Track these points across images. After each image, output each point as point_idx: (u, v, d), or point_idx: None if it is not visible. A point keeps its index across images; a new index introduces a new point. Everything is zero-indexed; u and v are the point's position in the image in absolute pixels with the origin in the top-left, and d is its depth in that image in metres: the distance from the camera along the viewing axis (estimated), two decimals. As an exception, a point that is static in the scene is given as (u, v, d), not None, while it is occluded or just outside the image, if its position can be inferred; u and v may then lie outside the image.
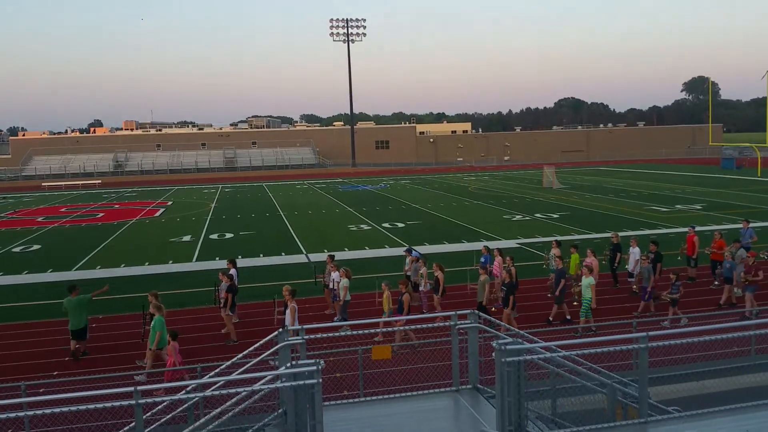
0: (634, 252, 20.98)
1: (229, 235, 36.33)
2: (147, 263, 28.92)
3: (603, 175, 73.11)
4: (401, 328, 15.09)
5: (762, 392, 13.08)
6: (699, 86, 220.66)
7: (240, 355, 9.51)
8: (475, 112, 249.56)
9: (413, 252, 22.29)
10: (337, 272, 18.96)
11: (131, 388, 7.04)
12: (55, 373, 15.31)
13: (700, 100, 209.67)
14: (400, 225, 38.15)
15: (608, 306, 19.66)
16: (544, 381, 9.49)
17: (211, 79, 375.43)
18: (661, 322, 16.93)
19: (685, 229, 28.19)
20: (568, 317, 18.36)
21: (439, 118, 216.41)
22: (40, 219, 46.87)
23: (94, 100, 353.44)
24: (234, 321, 18.61)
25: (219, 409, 8.05)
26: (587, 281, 17.35)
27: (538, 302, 20.06)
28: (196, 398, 8.24)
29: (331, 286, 19.23)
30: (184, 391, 8.37)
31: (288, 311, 15.60)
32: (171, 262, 29.11)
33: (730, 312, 18.11)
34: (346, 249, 30.63)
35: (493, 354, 8.20)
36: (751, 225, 24.25)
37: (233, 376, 8.18)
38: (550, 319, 18.33)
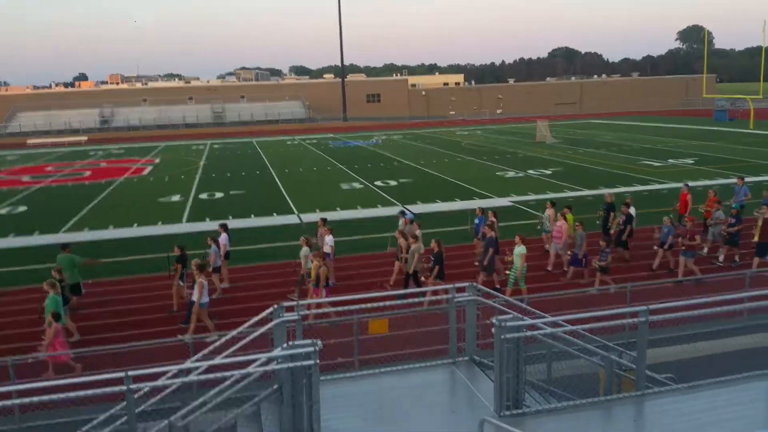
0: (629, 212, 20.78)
1: (219, 195, 35.98)
2: (136, 224, 28.62)
3: (596, 129, 72.72)
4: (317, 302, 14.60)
5: (753, 354, 13.18)
6: (693, 35, 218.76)
7: (235, 332, 9.35)
8: (468, 63, 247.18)
9: (406, 214, 22.10)
10: (330, 236, 18.78)
11: (122, 374, 6.88)
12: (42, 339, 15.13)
13: (694, 49, 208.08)
14: (393, 183, 37.88)
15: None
16: (540, 345, 9.39)
17: (197, 29, 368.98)
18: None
19: (678, 185, 28.14)
20: (497, 286, 17.53)
21: (431, 69, 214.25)
22: (25, 178, 46.22)
23: (79, 52, 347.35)
24: (223, 286, 18.54)
25: (213, 391, 7.92)
26: (519, 250, 16.68)
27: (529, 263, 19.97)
28: (187, 381, 8.08)
29: (324, 249, 19.07)
30: (172, 373, 8.21)
31: (196, 286, 14.81)
32: (160, 223, 28.82)
33: (668, 281, 17.51)
34: (338, 209, 30.40)
35: (492, 330, 8.09)
36: (744, 180, 24.07)
37: (227, 359, 8.02)
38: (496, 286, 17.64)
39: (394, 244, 18.80)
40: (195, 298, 14.78)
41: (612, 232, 20.71)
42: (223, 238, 19.14)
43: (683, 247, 18.20)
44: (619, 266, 19.44)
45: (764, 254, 18.66)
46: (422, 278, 17.13)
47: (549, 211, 21.15)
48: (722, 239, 19.96)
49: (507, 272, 17.59)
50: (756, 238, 19.27)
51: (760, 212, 20.55)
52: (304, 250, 17.28)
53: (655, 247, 20.33)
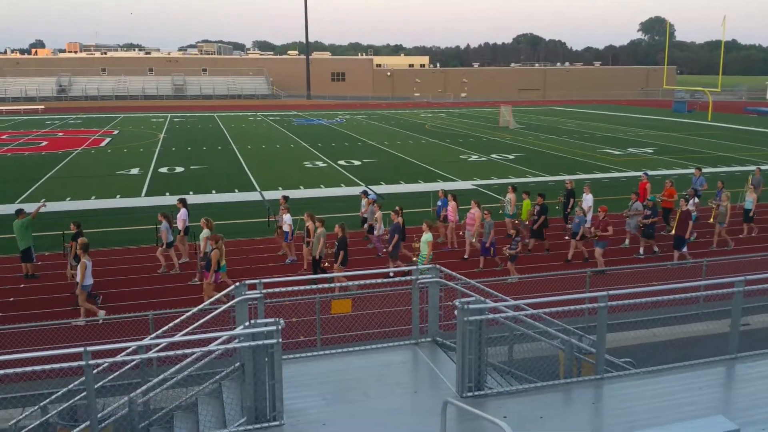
0: (587, 199, 20.92)
1: (179, 169, 35.40)
2: (93, 197, 28.03)
3: (558, 116, 73.44)
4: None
5: (709, 341, 13.52)
6: (654, 27, 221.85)
7: (197, 309, 9.22)
8: (433, 46, 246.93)
9: (369, 194, 22.04)
10: (288, 214, 18.62)
11: (81, 349, 6.72)
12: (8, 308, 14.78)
13: (656, 40, 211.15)
14: (357, 163, 37.74)
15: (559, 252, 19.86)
16: (501, 328, 9.47)
17: None
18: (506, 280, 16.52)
19: (638, 174, 28.63)
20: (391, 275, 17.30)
21: (397, 50, 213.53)
22: (-21, 146, 44.87)
23: (36, 18, 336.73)
24: (182, 261, 18.37)
25: (174, 368, 7.81)
26: (425, 237, 16.46)
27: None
28: (147, 358, 7.95)
29: (284, 228, 18.93)
30: (131, 349, 8.08)
31: (78, 267, 14.43)
32: (119, 196, 28.27)
33: (581, 272, 16.80)
34: (301, 187, 30.18)
35: (455, 312, 8.11)
36: (702, 170, 24.59)
37: (189, 337, 7.90)
38: (391, 275, 16.94)
39: (302, 228, 18.39)
40: (78, 279, 14.32)
41: (528, 222, 20.35)
42: (183, 213, 18.89)
43: (596, 237, 18.03)
44: (540, 255, 19.45)
45: (680, 246, 18.52)
46: (326, 264, 16.61)
47: (510, 195, 21.29)
48: (638, 231, 19.91)
49: (414, 259, 17.30)
50: (672, 231, 19.37)
51: (715, 202, 21.05)
52: (205, 231, 16.54)
53: (567, 237, 20.31)
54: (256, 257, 19.43)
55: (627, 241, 20.70)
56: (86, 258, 14.43)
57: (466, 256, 19.36)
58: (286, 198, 19.84)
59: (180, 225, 18.78)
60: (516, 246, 17.22)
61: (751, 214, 21.71)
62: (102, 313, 14.37)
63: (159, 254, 18.06)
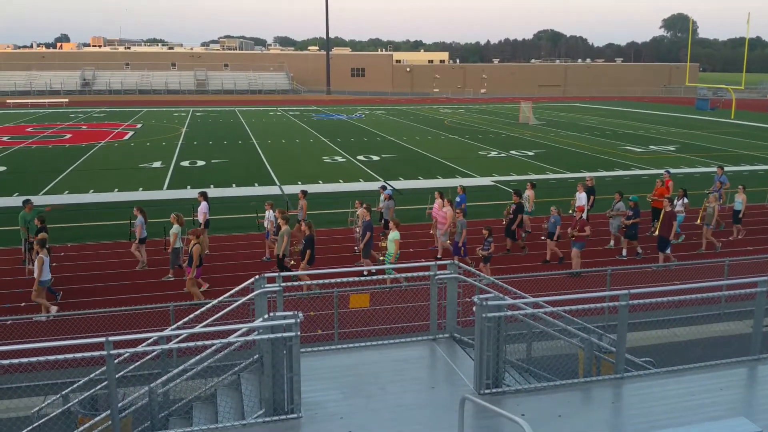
0: (580, 197, 20.28)
1: (201, 163, 35.62)
2: (116, 189, 28.29)
3: (579, 112, 72.88)
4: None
5: (731, 342, 13.37)
6: (677, 23, 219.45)
7: (216, 301, 9.29)
8: (453, 41, 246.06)
9: (387, 189, 22.00)
10: (270, 211, 18.23)
11: (103, 339, 6.79)
12: (23, 304, 14.98)
13: (678, 37, 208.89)
14: (375, 158, 37.74)
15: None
16: (520, 325, 9.44)
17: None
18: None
19: (659, 171, 28.32)
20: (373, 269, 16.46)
21: (416, 46, 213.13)
22: (5, 138, 45.41)
23: (61, 12, 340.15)
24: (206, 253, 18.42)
25: (194, 359, 7.88)
26: (392, 235, 16.12)
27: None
28: (168, 348, 8.03)
29: (265, 224, 18.56)
30: (152, 340, 8.15)
31: (36, 262, 14.31)
32: (141, 189, 28.51)
33: (558, 273, 16.76)
34: (320, 182, 30.25)
35: (474, 308, 8.10)
36: (724, 169, 24.14)
37: (209, 329, 7.95)
38: (365, 273, 16.09)
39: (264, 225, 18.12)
40: (35, 274, 14.24)
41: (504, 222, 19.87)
42: (203, 206, 18.94)
43: (573, 238, 17.57)
44: (519, 256, 19.04)
45: (664, 248, 17.95)
46: (291, 262, 16.41)
47: (529, 192, 21.08)
48: (620, 232, 19.38)
49: (381, 258, 16.94)
50: (656, 232, 18.69)
51: (709, 203, 19.98)
52: (175, 227, 16.36)
53: (543, 238, 19.67)
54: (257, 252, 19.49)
55: (612, 242, 20.14)
56: (44, 253, 14.30)
57: (439, 256, 18.70)
58: (305, 192, 19.84)
59: (201, 218, 18.85)
60: (488, 247, 16.60)
61: (740, 215, 20.90)
62: (54, 309, 14.28)
63: (134, 250, 17.81)
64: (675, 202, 20.35)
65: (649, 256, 18.78)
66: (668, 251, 18.03)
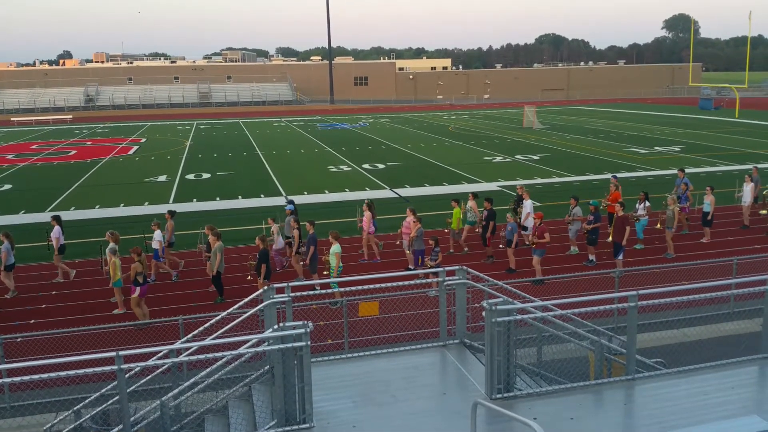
0: (526, 204, 19.92)
1: (206, 176, 35.73)
2: (122, 204, 28.39)
3: (583, 115, 72.84)
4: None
5: (741, 340, 13.30)
6: (679, 24, 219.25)
7: (225, 313, 9.31)
8: (455, 48, 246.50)
9: (289, 205, 20.42)
10: (158, 230, 17.82)
11: (113, 353, 6.82)
12: (32, 321, 15.03)
13: (680, 38, 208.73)
14: (381, 166, 37.78)
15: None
16: (530, 329, 9.43)
17: (183, 8, 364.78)
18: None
19: (665, 172, 28.29)
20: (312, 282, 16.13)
21: (419, 53, 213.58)
22: (10, 156, 45.65)
23: (63, 29, 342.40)
24: (57, 280, 17.99)
25: (204, 372, 7.89)
26: (334, 248, 15.69)
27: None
28: (178, 361, 8.05)
29: (153, 245, 18.00)
30: (163, 353, 8.17)
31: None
32: (147, 203, 28.58)
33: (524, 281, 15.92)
34: (326, 191, 30.28)
35: (483, 314, 8.10)
36: (729, 167, 24.07)
37: (219, 341, 7.98)
38: (317, 288, 16.05)
39: (204, 241, 17.71)
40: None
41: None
42: (56, 231, 18.18)
43: (533, 245, 17.27)
44: (485, 264, 18.53)
45: (618, 254, 17.54)
46: (248, 278, 16.19)
47: (471, 203, 20.24)
48: (579, 236, 18.96)
49: (326, 273, 16.66)
50: (610, 238, 18.24)
51: (669, 205, 19.51)
52: (111, 246, 15.91)
53: (501, 246, 19.22)
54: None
55: (575, 248, 19.66)
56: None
57: (411, 266, 17.87)
58: (172, 213, 19.13)
59: (54, 243, 18.08)
60: (436, 257, 16.38)
61: (709, 217, 20.44)
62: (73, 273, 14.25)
63: (56, 262, 17.71)
64: (636, 206, 19.97)
65: (604, 262, 18.37)
66: (620, 257, 17.49)
